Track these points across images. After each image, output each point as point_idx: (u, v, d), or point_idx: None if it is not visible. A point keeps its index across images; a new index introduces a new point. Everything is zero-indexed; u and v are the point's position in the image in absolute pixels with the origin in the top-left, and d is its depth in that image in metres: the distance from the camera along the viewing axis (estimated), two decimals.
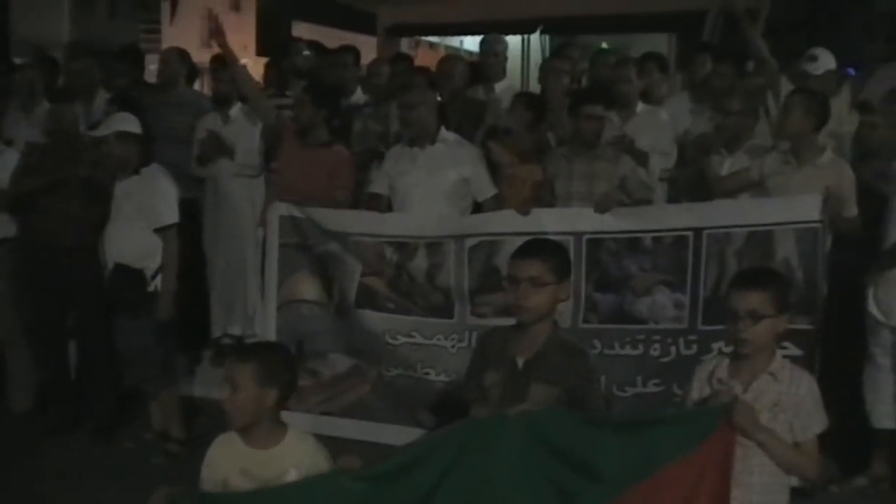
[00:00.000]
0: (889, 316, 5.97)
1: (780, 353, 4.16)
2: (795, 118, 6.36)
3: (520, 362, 4.28)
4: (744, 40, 7.93)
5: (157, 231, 6.56)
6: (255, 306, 7.72)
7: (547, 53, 18.05)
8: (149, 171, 6.66)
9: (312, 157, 7.20)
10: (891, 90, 6.47)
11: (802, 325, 5.86)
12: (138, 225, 6.56)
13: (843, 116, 7.42)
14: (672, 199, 7.12)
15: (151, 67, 10.65)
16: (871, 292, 6.10)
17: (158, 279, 6.54)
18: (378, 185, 7.13)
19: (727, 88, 7.36)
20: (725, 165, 6.64)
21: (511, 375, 4.28)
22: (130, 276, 6.55)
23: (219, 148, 8.00)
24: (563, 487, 3.70)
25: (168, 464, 6.55)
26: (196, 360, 8.10)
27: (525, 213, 6.46)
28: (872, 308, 6.09)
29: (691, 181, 6.99)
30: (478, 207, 7.05)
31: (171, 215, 6.63)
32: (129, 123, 6.63)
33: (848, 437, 6.10)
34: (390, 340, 6.65)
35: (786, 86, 7.31)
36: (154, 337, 6.58)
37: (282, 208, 6.88)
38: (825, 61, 7.63)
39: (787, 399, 3.99)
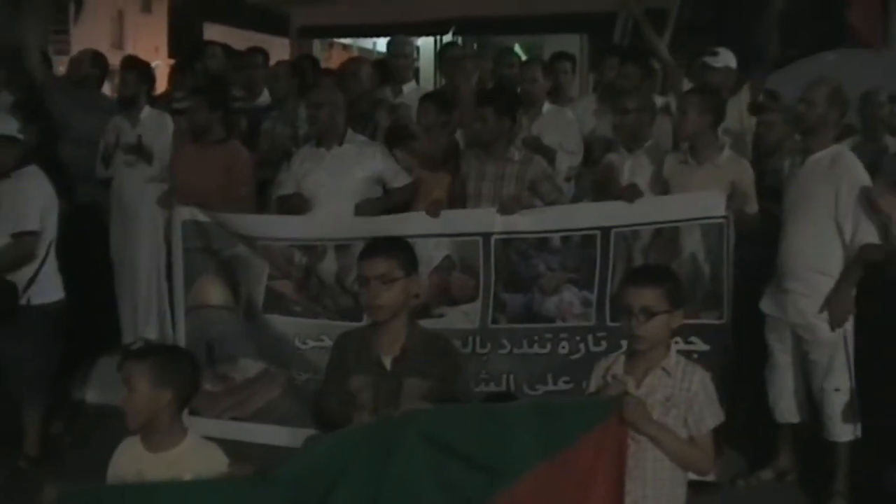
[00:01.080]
0: (786, 312, 6.06)
1: (674, 348, 4.22)
2: (692, 118, 6.43)
3: (387, 361, 4.32)
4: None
5: (14, 237, 6.31)
6: (164, 311, 7.63)
7: None
8: (20, 173, 6.42)
9: (207, 155, 7.19)
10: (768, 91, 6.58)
11: (710, 319, 6.01)
12: (4, 231, 6.33)
13: (743, 116, 7.56)
14: (578, 197, 7.17)
15: (61, 69, 10.51)
16: (767, 289, 6.22)
17: (32, 290, 6.34)
18: (287, 187, 7.11)
19: (630, 89, 7.43)
20: (626, 165, 6.70)
21: (379, 376, 4.31)
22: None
23: (142, 154, 7.86)
24: (456, 483, 3.71)
25: (13, 480, 6.29)
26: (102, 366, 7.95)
27: (434, 214, 6.47)
28: (768, 305, 6.21)
29: (595, 180, 7.03)
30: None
31: (30, 222, 6.35)
32: (3, 126, 6.41)
33: (758, 430, 6.28)
34: (299, 345, 6.62)
35: (688, 87, 7.40)
36: (28, 351, 6.37)
37: (185, 212, 6.80)
38: (725, 57, 7.84)
39: (680, 394, 4.05)
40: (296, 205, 6.93)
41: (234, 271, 6.77)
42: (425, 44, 24.77)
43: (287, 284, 6.69)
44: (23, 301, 6.33)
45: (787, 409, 6.25)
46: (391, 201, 6.97)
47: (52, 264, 6.49)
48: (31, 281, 6.36)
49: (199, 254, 6.82)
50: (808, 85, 6.08)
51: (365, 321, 6.20)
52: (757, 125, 7.30)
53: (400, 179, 7.00)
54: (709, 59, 7.77)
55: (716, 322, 5.99)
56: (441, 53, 10.40)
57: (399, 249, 4.42)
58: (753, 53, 8.07)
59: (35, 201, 6.41)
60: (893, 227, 5.66)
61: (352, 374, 4.38)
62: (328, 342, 6.33)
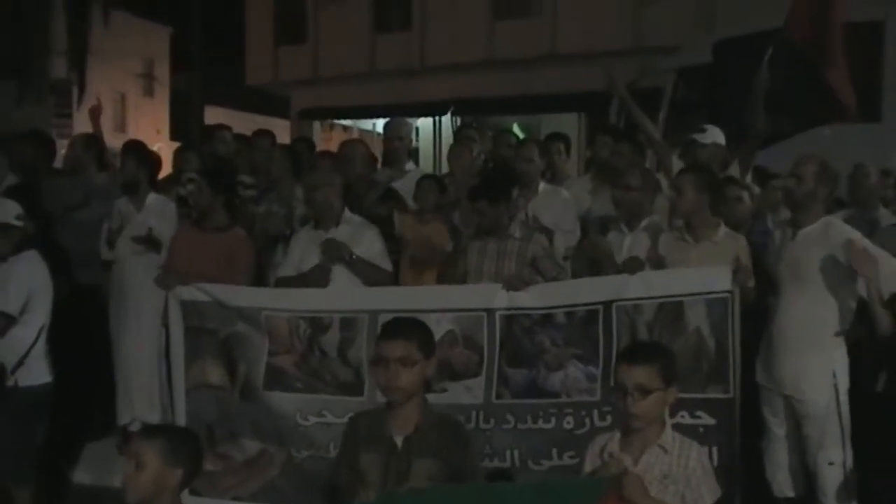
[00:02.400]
0: (781, 384, 6.09)
1: (670, 424, 4.25)
2: (689, 197, 6.48)
3: (398, 440, 4.36)
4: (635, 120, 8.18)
5: None
6: (165, 394, 7.63)
7: None
8: (18, 258, 6.45)
9: (209, 241, 7.19)
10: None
11: (716, 394, 5.94)
12: None
13: None
14: (575, 276, 7.20)
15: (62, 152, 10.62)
16: (759, 361, 6.25)
17: (20, 373, 6.33)
18: (286, 269, 7.16)
19: (627, 167, 7.50)
20: (626, 242, 6.75)
21: (390, 454, 4.34)
22: None
23: (152, 244, 7.89)
24: None
25: None
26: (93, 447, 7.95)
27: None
28: (761, 377, 6.23)
29: (586, 255, 7.08)
30: None
31: (9, 304, 6.32)
32: (3, 213, 6.46)
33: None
34: (301, 421, 6.58)
35: (678, 166, 7.48)
36: (13, 432, 6.36)
37: (184, 292, 6.84)
38: (713, 134, 7.95)
39: (677, 470, 4.09)
40: (314, 279, 6.93)
41: (232, 350, 6.78)
42: (424, 124, 25.12)
43: (287, 360, 6.65)
44: (10, 383, 6.33)
45: (783, 482, 6.25)
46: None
47: (41, 348, 6.50)
48: (20, 363, 6.37)
49: (198, 333, 6.81)
50: (797, 161, 6.17)
51: (366, 396, 6.36)
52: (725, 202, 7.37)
53: (383, 264, 7.04)
54: (697, 137, 7.89)
55: (722, 396, 5.93)
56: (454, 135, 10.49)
57: (419, 332, 4.49)
58: (743, 130, 8.16)
59: (22, 286, 6.42)
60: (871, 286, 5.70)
61: (362, 451, 4.42)
62: (330, 418, 6.42)
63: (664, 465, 4.10)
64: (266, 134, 9.41)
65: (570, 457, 6.02)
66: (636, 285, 6.25)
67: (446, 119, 23.57)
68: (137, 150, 8.35)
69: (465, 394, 6.25)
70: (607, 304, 6.20)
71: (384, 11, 26.01)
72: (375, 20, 25.98)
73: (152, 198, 8.09)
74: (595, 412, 6.12)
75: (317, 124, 28.26)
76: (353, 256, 6.86)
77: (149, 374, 7.83)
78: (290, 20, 27.70)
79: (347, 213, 7.16)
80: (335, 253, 6.82)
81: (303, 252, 7.07)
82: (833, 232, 6.03)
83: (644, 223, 6.83)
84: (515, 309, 6.36)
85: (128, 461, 3.85)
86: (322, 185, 7.07)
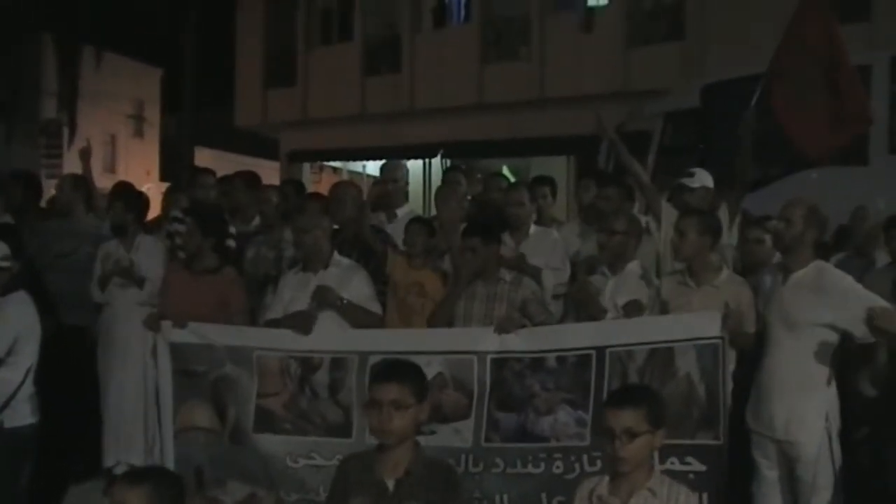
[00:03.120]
0: (772, 428, 6.08)
1: (666, 469, 4.25)
2: (691, 240, 6.50)
3: (389, 484, 4.36)
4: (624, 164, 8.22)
5: None
6: (154, 436, 7.59)
7: None
8: (7, 299, 6.43)
9: (200, 283, 7.22)
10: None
11: (706, 440, 5.93)
12: None
13: (724, 232, 7.65)
14: (565, 315, 7.20)
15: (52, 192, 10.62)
16: (749, 405, 6.24)
17: (6, 414, 6.27)
18: (274, 311, 7.15)
19: (613, 211, 7.53)
20: (609, 285, 6.76)
21: (381, 498, 4.33)
22: None
23: (132, 278, 7.90)
24: None
25: None
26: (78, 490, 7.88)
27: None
28: (752, 421, 6.22)
29: (573, 297, 7.09)
30: None
31: None
32: None
33: None
34: (291, 464, 6.55)
35: (667, 209, 7.50)
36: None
37: (173, 334, 6.85)
38: (702, 178, 7.97)
39: None
40: (298, 324, 6.89)
41: (221, 392, 6.76)
42: (414, 167, 25.18)
43: (276, 401, 6.66)
44: None
45: None
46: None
47: (28, 389, 6.48)
48: (6, 405, 6.33)
49: (187, 376, 6.81)
50: (785, 204, 6.20)
51: (354, 438, 6.36)
52: (744, 241, 7.40)
53: (370, 306, 7.04)
54: (685, 181, 7.91)
55: (712, 442, 5.92)
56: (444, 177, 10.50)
57: (413, 376, 4.51)
58: (731, 173, 8.20)
59: (10, 327, 6.39)
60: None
61: (353, 495, 4.42)
62: (319, 460, 6.41)
63: None
64: (247, 175, 9.44)
65: (560, 502, 6.03)
66: (627, 330, 6.29)
67: (436, 162, 23.63)
68: (127, 193, 8.37)
69: (454, 437, 6.24)
70: (601, 350, 6.20)
71: (374, 54, 26.08)
72: (365, 63, 26.04)
73: (141, 238, 8.11)
74: (585, 457, 6.10)
75: (306, 166, 28.30)
76: (344, 301, 6.85)
77: (135, 417, 7.81)
78: (279, 63, 27.77)
79: (336, 255, 7.16)
80: (325, 299, 6.82)
81: (292, 294, 7.07)
82: (825, 277, 6.05)
83: (628, 267, 6.84)
84: (506, 352, 6.37)
85: None
86: (311, 228, 7.07)
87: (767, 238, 7.14)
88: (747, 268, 7.20)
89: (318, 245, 7.06)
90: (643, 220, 7.97)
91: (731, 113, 8.73)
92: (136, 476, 3.98)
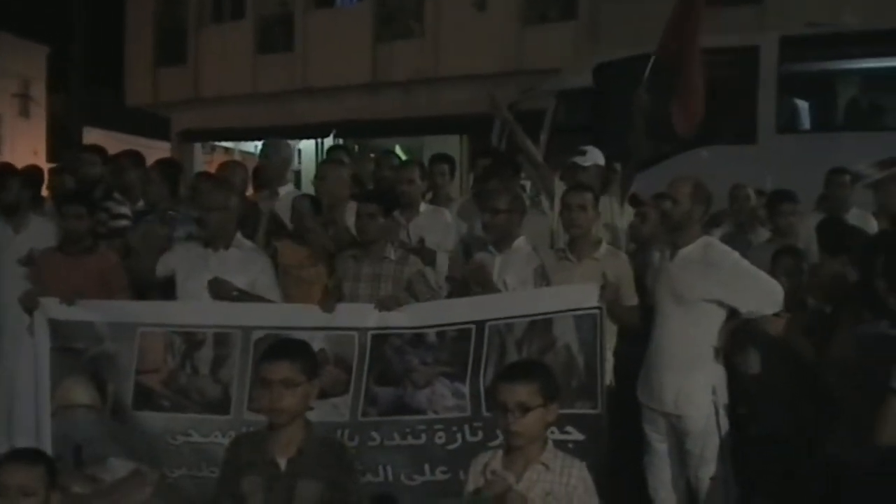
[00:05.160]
0: (662, 402, 6.17)
1: (551, 442, 4.28)
2: (588, 214, 6.62)
3: (282, 463, 4.33)
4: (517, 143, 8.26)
5: None
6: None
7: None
8: None
9: (78, 264, 7.12)
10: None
11: (584, 409, 6.02)
12: None
13: (615, 210, 7.75)
14: (451, 295, 7.22)
15: None
16: (640, 379, 6.33)
17: None
18: (161, 270, 7.11)
19: (502, 189, 7.55)
20: (496, 263, 6.79)
21: (273, 477, 4.31)
22: None
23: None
24: None
25: None
26: None
27: (329, 309, 6.49)
28: (642, 395, 6.31)
29: (465, 277, 7.10)
30: None
31: None
32: None
33: None
34: (171, 440, 6.47)
35: (560, 188, 7.56)
36: None
37: (52, 310, 6.69)
38: (594, 156, 8.03)
39: (560, 488, 4.13)
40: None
41: (100, 369, 6.65)
42: (307, 147, 25.04)
43: (154, 378, 6.56)
44: None
45: (666, 498, 6.32)
46: None
47: None
48: None
49: (65, 353, 6.66)
50: (671, 182, 6.28)
51: (232, 415, 6.33)
52: (633, 218, 7.50)
53: (270, 295, 6.99)
54: (578, 159, 7.97)
55: (591, 412, 6.02)
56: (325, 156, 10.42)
57: (303, 354, 4.50)
58: (623, 152, 8.29)
59: None
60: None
61: (244, 475, 4.37)
62: (196, 437, 6.38)
63: (546, 482, 4.13)
64: (133, 155, 9.28)
65: (443, 472, 6.13)
66: (506, 304, 6.37)
67: (329, 141, 23.51)
68: (16, 173, 8.18)
69: (331, 412, 6.22)
70: (480, 324, 6.26)
71: (266, 33, 25.86)
72: (257, 41, 25.81)
73: (32, 219, 7.95)
74: (466, 427, 6.17)
75: (198, 146, 27.98)
76: (238, 293, 6.78)
77: (26, 397, 7.64)
78: (170, 40, 27.37)
79: (239, 237, 7.08)
80: (220, 292, 6.74)
81: (189, 269, 6.97)
82: (712, 252, 6.13)
83: (514, 245, 6.88)
84: (387, 328, 6.39)
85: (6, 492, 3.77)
86: (217, 207, 6.98)
87: (652, 214, 7.27)
88: (632, 244, 7.30)
89: (222, 224, 6.96)
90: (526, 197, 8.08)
91: (623, 92, 8.81)
92: (33, 457, 3.99)
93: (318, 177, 8.49)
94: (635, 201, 7.38)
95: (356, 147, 22.88)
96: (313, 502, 4.24)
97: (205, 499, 6.27)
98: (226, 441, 5.51)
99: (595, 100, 13.46)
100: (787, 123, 13.45)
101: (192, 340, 6.58)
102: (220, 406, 6.45)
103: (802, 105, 13.77)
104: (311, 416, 5.46)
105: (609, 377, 6.25)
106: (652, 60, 8.36)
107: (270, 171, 8.77)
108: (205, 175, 9.01)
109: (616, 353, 6.33)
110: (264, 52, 25.67)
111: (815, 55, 13.91)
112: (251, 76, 25.41)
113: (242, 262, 6.94)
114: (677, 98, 7.99)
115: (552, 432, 5.36)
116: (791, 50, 13.07)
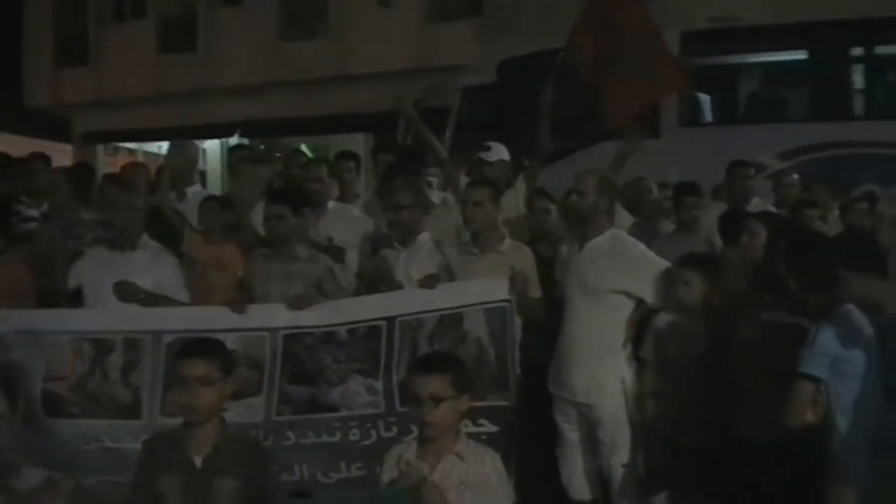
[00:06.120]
0: (573, 392, 6.24)
1: (464, 432, 4.33)
2: (486, 210, 6.64)
3: (197, 461, 4.35)
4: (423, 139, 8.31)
5: None
6: None
7: None
8: None
9: None
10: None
11: (497, 401, 6.08)
12: None
13: (520, 205, 7.82)
14: (359, 292, 7.23)
15: None
16: (550, 370, 6.40)
17: None
18: (72, 282, 7.00)
19: (404, 185, 7.57)
20: (401, 259, 6.80)
21: (190, 475, 4.32)
22: None
23: None
24: None
25: None
26: None
27: (240, 310, 6.47)
28: (553, 386, 6.37)
29: (368, 274, 7.13)
30: None
31: None
32: None
33: None
34: (84, 446, 6.40)
35: (465, 183, 7.61)
36: None
37: None
38: (498, 151, 8.14)
39: (473, 477, 4.19)
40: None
41: (10, 378, 6.55)
42: (212, 147, 24.83)
43: (62, 385, 6.47)
44: None
45: (579, 486, 6.38)
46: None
47: None
48: None
49: None
50: (578, 176, 6.36)
51: (144, 420, 6.27)
52: (532, 213, 7.59)
53: (178, 295, 6.94)
54: (483, 155, 8.06)
55: (503, 404, 6.09)
56: (229, 156, 10.36)
57: (218, 351, 4.54)
58: (529, 147, 8.38)
59: None
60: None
61: (160, 474, 4.39)
62: (108, 443, 6.30)
63: (460, 472, 4.19)
64: (41, 157, 9.17)
65: (358, 468, 6.14)
66: (416, 299, 6.40)
67: (234, 141, 23.35)
68: None
69: (245, 413, 6.20)
70: (391, 320, 6.30)
71: (169, 32, 25.57)
72: (159, 41, 25.52)
73: None
74: (381, 423, 6.21)
75: (100, 148, 27.58)
76: (146, 295, 6.72)
77: None
78: (70, 40, 26.93)
79: (146, 237, 7.02)
80: (127, 294, 6.67)
81: (96, 274, 6.88)
82: (619, 244, 6.23)
83: (418, 240, 6.91)
84: (298, 327, 6.40)
85: None
86: (122, 209, 6.91)
87: (553, 208, 7.36)
88: (534, 237, 7.37)
89: (129, 225, 6.90)
90: (440, 194, 8.12)
91: (528, 87, 8.91)
92: None
93: (234, 174, 8.46)
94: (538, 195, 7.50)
95: (262, 146, 22.76)
96: (230, 499, 4.26)
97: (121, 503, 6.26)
98: (136, 446, 5.43)
99: (500, 95, 13.58)
100: (690, 117, 13.72)
101: (101, 346, 6.50)
102: (132, 411, 6.38)
103: (704, 99, 14.03)
104: (226, 417, 5.49)
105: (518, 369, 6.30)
106: (559, 57, 8.46)
107: (177, 172, 8.70)
108: (109, 177, 8.92)
109: (522, 347, 6.37)
110: (167, 51, 25.37)
111: (717, 50, 14.20)
112: (154, 76, 25.09)
113: (149, 263, 6.89)
114: (610, 92, 8.09)
115: (466, 425, 5.44)
116: (693, 45, 13.29)
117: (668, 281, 6.07)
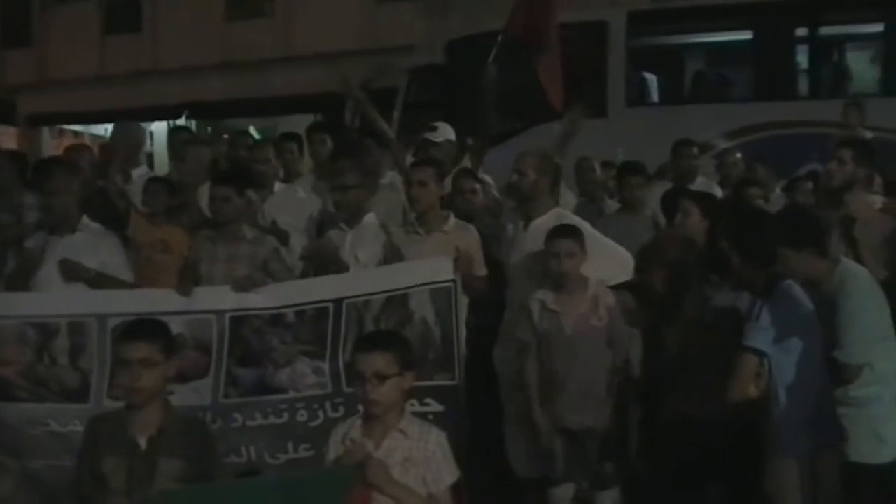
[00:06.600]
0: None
1: (409, 410, 4.37)
2: (430, 190, 6.66)
3: (142, 442, 4.35)
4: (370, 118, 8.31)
5: None
6: None
7: None
8: None
9: None
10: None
11: (443, 380, 6.14)
12: None
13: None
14: (305, 273, 7.22)
15: None
16: (496, 349, 6.44)
17: None
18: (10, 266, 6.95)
19: (350, 166, 7.57)
20: (347, 239, 6.81)
21: (134, 457, 4.32)
22: None
23: None
24: None
25: None
26: None
27: (186, 294, 6.45)
28: (499, 364, 6.41)
29: (314, 255, 7.12)
30: None
31: None
32: None
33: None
34: (31, 431, 6.35)
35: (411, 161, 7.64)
36: None
37: None
38: (444, 132, 8.17)
39: (418, 454, 4.23)
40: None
41: None
42: (159, 129, 24.66)
43: (9, 370, 6.44)
44: None
45: (526, 464, 6.36)
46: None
47: None
48: None
49: None
50: (518, 156, 6.40)
51: (91, 403, 6.22)
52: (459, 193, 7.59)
53: (121, 275, 6.90)
54: (429, 135, 8.08)
55: (449, 383, 6.14)
56: (170, 138, 10.29)
57: (160, 334, 4.52)
58: (475, 127, 8.41)
59: None
60: None
61: (104, 455, 4.38)
62: (55, 426, 6.24)
63: (405, 449, 4.23)
64: None
65: (306, 449, 6.15)
66: (363, 281, 6.43)
67: (181, 123, 23.21)
68: None
69: (192, 395, 6.19)
70: (338, 301, 6.32)
71: (113, 13, 25.35)
72: (104, 22, 25.30)
73: None
74: (328, 404, 6.23)
75: (46, 130, 27.33)
76: (91, 273, 6.68)
77: None
78: (13, 22, 26.64)
79: (86, 219, 6.95)
80: (72, 272, 6.63)
81: (37, 258, 6.82)
82: (563, 222, 6.26)
83: (364, 220, 6.91)
84: (245, 310, 6.39)
85: None
86: (59, 192, 6.85)
87: (479, 188, 7.43)
88: (461, 218, 7.40)
89: (66, 208, 6.84)
90: (389, 174, 8.13)
91: (475, 68, 8.92)
92: None
93: (177, 158, 8.41)
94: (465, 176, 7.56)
95: (209, 128, 22.64)
96: (175, 480, 4.27)
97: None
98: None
99: (447, 76, 13.59)
100: (637, 97, 13.82)
101: (45, 331, 6.45)
102: (80, 394, 6.34)
103: (651, 79, 14.13)
104: (173, 400, 5.48)
105: (463, 348, 6.33)
106: (500, 38, 8.49)
107: (122, 153, 8.64)
108: (48, 160, 8.84)
109: (468, 325, 6.40)
110: (112, 32, 25.17)
111: (663, 30, 14.33)
112: (99, 57, 24.90)
113: (90, 245, 6.80)
114: (545, 72, 8.13)
115: (412, 404, 5.47)
116: (639, 25, 13.41)
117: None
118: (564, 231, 5.89)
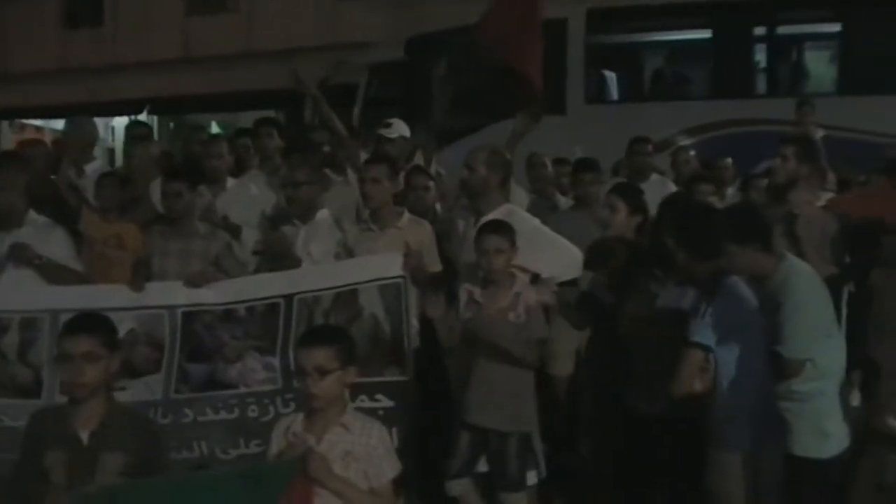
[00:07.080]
0: None
1: (351, 405, 4.39)
2: (383, 186, 6.67)
3: (84, 436, 4.32)
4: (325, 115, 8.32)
5: None
6: None
7: (155, 135, 17.90)
8: None
9: None
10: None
11: (393, 376, 6.14)
12: None
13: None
14: (259, 269, 7.22)
15: None
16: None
17: None
18: None
19: (301, 162, 7.57)
20: (300, 235, 6.82)
21: (76, 451, 4.31)
22: None
23: None
24: None
25: None
26: None
27: (139, 289, 6.43)
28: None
29: (267, 250, 7.12)
30: None
31: None
32: None
33: None
34: None
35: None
36: None
37: None
38: (399, 128, 8.21)
39: (360, 448, 4.27)
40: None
41: None
42: (120, 124, 24.53)
43: None
44: None
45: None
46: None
47: None
48: None
49: None
50: (469, 152, 6.44)
51: (43, 398, 6.19)
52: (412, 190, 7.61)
53: (71, 265, 6.86)
54: (383, 131, 8.10)
55: (399, 379, 6.15)
56: (126, 133, 10.26)
57: (103, 328, 4.48)
58: (432, 124, 8.44)
59: None
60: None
61: (46, 450, 4.35)
62: (7, 421, 6.20)
63: (347, 443, 4.27)
64: None
65: (257, 444, 6.09)
66: (313, 277, 6.46)
67: (142, 118, 23.11)
68: None
69: (143, 391, 6.21)
70: (288, 297, 6.33)
71: (74, 7, 25.20)
72: (65, 16, 25.15)
73: None
74: (278, 399, 6.23)
75: (6, 124, 27.15)
76: (41, 260, 6.65)
77: None
78: None
79: (33, 214, 6.92)
80: (22, 257, 6.59)
81: None
82: (513, 219, 6.25)
83: (317, 216, 6.93)
84: (197, 305, 6.40)
85: None
86: (5, 187, 6.82)
87: (432, 185, 7.51)
88: (416, 214, 7.42)
89: (11, 203, 6.80)
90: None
91: (434, 64, 8.94)
92: None
93: (126, 155, 8.40)
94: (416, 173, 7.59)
95: (171, 124, 22.55)
96: (117, 474, 4.24)
97: None
98: None
99: (406, 73, 13.61)
100: (595, 94, 13.88)
101: None
102: (32, 390, 6.33)
103: (610, 76, 14.20)
104: (124, 395, 5.48)
105: (415, 343, 6.34)
106: (461, 34, 8.50)
107: (75, 148, 8.60)
108: (8, 154, 8.78)
109: (421, 319, 6.41)
110: (72, 26, 25.02)
111: (622, 28, 14.39)
112: (59, 52, 24.75)
113: (37, 239, 6.77)
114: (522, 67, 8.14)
115: (362, 400, 5.49)
116: (598, 22, 13.46)
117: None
118: (493, 227, 5.86)
